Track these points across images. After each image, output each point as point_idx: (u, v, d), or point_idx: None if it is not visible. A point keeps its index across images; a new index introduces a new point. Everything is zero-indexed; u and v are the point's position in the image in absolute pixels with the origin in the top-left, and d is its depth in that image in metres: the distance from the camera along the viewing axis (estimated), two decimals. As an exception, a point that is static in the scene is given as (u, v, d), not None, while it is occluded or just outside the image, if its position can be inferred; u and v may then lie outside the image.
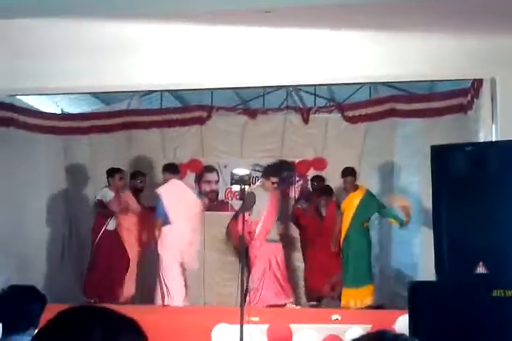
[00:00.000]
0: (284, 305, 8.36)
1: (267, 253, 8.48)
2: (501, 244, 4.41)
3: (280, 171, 8.90)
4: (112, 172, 8.96)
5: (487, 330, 4.18)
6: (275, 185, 8.66)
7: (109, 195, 8.89)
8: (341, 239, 8.45)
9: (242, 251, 6.97)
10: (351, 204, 8.48)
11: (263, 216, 8.55)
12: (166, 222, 8.34)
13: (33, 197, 9.47)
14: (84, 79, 7.41)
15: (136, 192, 9.13)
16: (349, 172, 8.60)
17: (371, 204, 8.49)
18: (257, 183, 9.18)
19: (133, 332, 1.36)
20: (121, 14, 6.30)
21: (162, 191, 8.47)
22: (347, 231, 8.41)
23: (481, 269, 4.38)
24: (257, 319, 6.84)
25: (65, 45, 6.89)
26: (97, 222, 9.06)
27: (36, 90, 8.45)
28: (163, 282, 8.25)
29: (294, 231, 9.44)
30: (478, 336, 4.19)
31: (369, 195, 8.52)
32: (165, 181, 8.67)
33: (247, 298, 7.92)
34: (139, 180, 9.18)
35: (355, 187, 8.56)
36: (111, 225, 8.93)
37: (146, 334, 1.40)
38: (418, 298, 4.42)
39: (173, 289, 8.22)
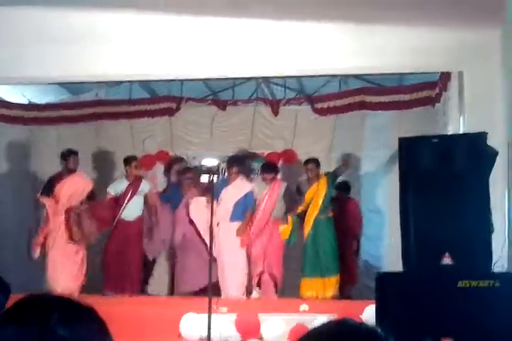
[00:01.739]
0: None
1: (264, 245, 8.53)
2: (467, 236, 4.47)
3: (274, 168, 8.90)
4: (129, 160, 8.91)
5: (453, 320, 4.23)
6: (268, 181, 8.68)
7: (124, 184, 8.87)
8: (307, 229, 8.50)
9: (210, 240, 6.98)
10: (317, 193, 8.54)
11: (260, 208, 8.62)
12: None
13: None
14: (52, 68, 7.32)
15: None
16: (312, 161, 8.68)
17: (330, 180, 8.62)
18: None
19: (91, 319, 1.36)
20: (90, 3, 6.25)
21: None
22: (313, 221, 8.46)
23: (447, 260, 4.42)
24: (225, 309, 6.86)
25: (32, 34, 6.81)
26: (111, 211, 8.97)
27: (1, 80, 8.33)
28: None
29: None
30: (444, 326, 4.23)
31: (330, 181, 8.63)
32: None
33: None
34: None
35: (318, 176, 8.62)
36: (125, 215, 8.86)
37: (105, 321, 1.39)
38: (385, 288, 4.45)
39: None
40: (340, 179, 8.89)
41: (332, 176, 8.65)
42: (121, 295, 8.38)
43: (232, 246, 8.31)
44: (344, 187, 9.07)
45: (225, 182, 8.74)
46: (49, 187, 8.66)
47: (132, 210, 8.84)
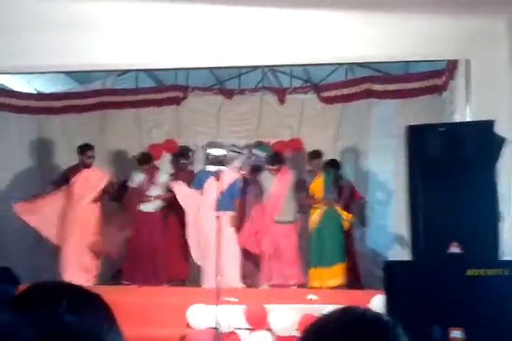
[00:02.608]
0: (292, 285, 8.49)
1: (275, 235, 8.54)
2: (475, 224, 4.45)
3: (280, 159, 8.89)
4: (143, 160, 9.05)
5: (461, 309, 4.22)
6: (274, 172, 8.73)
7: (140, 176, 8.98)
8: (313, 220, 8.53)
9: (217, 231, 6.98)
10: (318, 186, 8.55)
11: (269, 198, 8.66)
12: None
13: (6, 177, 9.38)
14: (58, 58, 7.31)
15: None
16: (317, 155, 8.67)
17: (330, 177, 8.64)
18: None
19: (99, 307, 1.37)
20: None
21: None
22: (318, 212, 8.49)
23: (455, 249, 4.42)
24: (233, 299, 6.87)
25: (38, 24, 6.78)
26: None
27: (8, 69, 8.32)
28: None
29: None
30: (452, 315, 4.23)
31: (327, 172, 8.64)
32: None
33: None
34: None
35: (321, 167, 8.64)
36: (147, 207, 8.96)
37: (113, 310, 1.40)
38: (393, 277, 4.45)
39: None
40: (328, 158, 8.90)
41: (332, 167, 8.69)
42: (137, 285, 8.47)
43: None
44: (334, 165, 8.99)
45: (210, 172, 8.76)
46: (64, 179, 8.75)
47: (151, 201, 8.89)
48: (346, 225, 8.55)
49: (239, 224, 8.80)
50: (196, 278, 8.89)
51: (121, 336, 1.34)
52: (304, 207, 8.79)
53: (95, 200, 8.81)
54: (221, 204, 8.13)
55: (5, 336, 1.24)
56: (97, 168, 8.97)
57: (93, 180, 8.82)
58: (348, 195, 8.88)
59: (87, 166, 8.86)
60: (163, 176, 9.03)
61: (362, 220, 9.02)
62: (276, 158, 8.82)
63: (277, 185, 8.67)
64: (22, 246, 9.42)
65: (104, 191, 8.91)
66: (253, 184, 8.99)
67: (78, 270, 8.51)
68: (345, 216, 8.51)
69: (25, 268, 8.22)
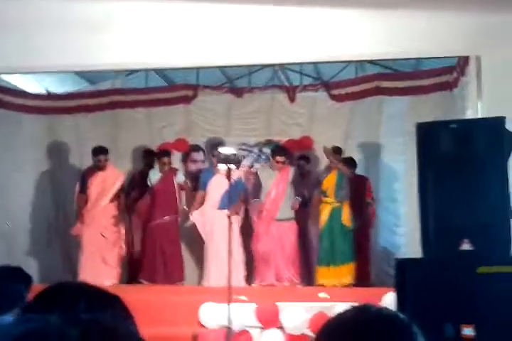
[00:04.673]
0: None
1: (276, 233, 8.54)
2: (486, 221, 4.44)
3: (286, 151, 8.91)
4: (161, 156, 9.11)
5: (473, 307, 4.21)
6: (280, 165, 8.70)
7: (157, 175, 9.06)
8: (324, 218, 8.52)
9: (229, 231, 6.97)
10: (331, 182, 8.54)
11: (270, 196, 8.63)
12: None
13: (19, 178, 9.42)
14: (68, 57, 7.32)
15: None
16: (337, 151, 8.67)
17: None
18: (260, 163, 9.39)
19: (117, 307, 1.37)
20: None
21: None
22: (329, 209, 8.48)
23: (466, 246, 4.40)
24: (244, 298, 6.87)
25: (49, 23, 6.80)
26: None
27: (20, 69, 8.35)
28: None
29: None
30: (464, 312, 4.21)
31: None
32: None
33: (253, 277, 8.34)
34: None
35: (338, 164, 8.62)
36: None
37: (131, 310, 1.41)
38: (404, 275, 4.44)
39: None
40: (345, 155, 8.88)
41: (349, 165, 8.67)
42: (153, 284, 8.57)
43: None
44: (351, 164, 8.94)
45: (212, 172, 8.78)
46: (83, 183, 8.82)
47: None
48: (352, 224, 8.53)
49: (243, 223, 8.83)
50: (194, 279, 8.96)
51: (139, 336, 1.35)
52: (306, 202, 8.79)
53: (112, 200, 8.88)
54: (225, 203, 8.14)
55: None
56: (112, 168, 9.03)
57: (109, 181, 8.92)
58: (360, 193, 8.85)
59: (102, 168, 8.93)
60: (179, 176, 9.09)
61: (367, 219, 8.97)
62: (281, 150, 8.83)
63: (278, 182, 8.66)
64: (34, 246, 9.47)
65: (121, 190, 9.00)
66: (253, 181, 8.99)
67: (99, 270, 8.58)
68: (345, 219, 8.49)
69: (37, 269, 8.30)
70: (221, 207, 8.40)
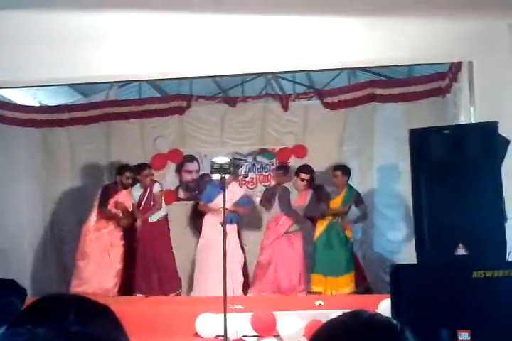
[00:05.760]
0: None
1: (282, 244, 8.59)
2: (481, 226, 4.44)
3: (310, 168, 8.90)
4: (140, 169, 9.01)
5: (469, 312, 4.20)
6: (305, 182, 8.71)
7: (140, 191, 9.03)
8: (319, 230, 8.54)
9: (224, 239, 6.95)
10: (338, 203, 8.57)
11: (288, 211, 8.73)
12: None
13: (13, 190, 9.40)
14: (61, 70, 7.32)
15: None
16: (339, 168, 8.69)
17: (351, 198, 8.63)
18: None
19: (107, 318, 1.36)
20: (99, 4, 6.24)
21: None
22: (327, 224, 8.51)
23: (461, 251, 4.40)
24: (239, 307, 6.86)
25: (40, 36, 6.81)
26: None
27: (12, 83, 8.35)
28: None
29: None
30: (460, 318, 4.21)
31: (349, 190, 8.64)
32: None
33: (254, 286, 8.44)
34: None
35: (344, 185, 8.62)
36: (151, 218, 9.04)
37: (121, 321, 1.40)
38: (400, 280, 4.43)
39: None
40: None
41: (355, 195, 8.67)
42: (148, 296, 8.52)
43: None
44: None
45: (217, 188, 8.76)
46: (104, 199, 8.85)
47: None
48: (350, 234, 8.55)
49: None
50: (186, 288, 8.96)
51: None
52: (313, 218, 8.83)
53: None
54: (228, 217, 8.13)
55: None
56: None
57: (125, 202, 8.96)
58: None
59: (126, 187, 8.96)
60: (156, 187, 9.04)
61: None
62: (306, 168, 8.82)
63: (296, 202, 8.71)
64: (29, 258, 9.45)
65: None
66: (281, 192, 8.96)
67: (99, 283, 8.58)
68: (346, 231, 8.52)
69: (31, 281, 8.26)
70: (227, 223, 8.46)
